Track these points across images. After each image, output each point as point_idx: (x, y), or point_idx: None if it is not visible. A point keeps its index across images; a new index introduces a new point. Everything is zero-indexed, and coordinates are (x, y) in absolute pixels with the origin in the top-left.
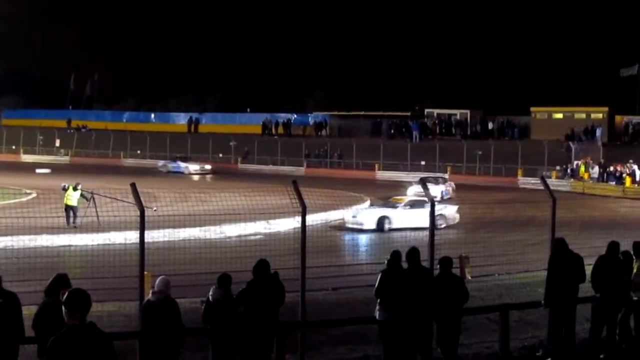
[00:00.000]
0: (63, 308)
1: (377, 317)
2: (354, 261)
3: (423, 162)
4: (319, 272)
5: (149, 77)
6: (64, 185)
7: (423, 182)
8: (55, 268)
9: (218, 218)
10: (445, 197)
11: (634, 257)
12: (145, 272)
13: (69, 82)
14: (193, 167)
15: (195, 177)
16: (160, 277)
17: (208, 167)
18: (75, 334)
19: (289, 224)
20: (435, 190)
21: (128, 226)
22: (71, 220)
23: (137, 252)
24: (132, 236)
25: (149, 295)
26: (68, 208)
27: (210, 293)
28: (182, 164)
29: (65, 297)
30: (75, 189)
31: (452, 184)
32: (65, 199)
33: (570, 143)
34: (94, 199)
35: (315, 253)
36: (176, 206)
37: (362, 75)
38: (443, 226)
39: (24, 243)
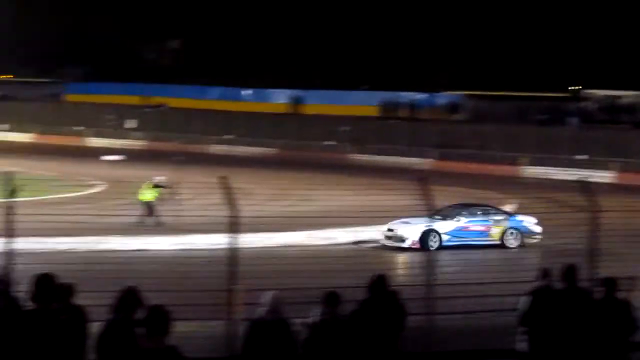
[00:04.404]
0: (139, 328)
1: (518, 348)
2: (484, 279)
3: (585, 156)
4: (447, 291)
5: (241, 46)
6: (155, 181)
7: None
8: (126, 277)
9: (325, 221)
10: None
11: None
12: (237, 286)
13: (145, 51)
14: None
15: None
16: (272, 293)
17: None
18: (152, 358)
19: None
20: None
21: (214, 228)
22: (148, 219)
23: (224, 261)
24: (219, 240)
25: (258, 313)
26: (143, 204)
27: (314, 314)
28: None
29: (145, 315)
30: (155, 186)
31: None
32: (139, 193)
33: None
34: (174, 194)
35: (443, 267)
36: (274, 205)
37: (504, 47)
38: (514, 246)
39: (89, 246)
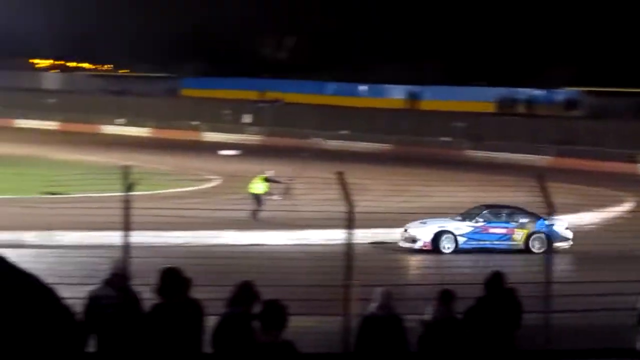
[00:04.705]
0: (255, 323)
1: (639, 348)
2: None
3: None
4: (563, 289)
5: (358, 41)
6: (266, 175)
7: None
8: (240, 272)
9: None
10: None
11: None
12: (352, 281)
13: (262, 46)
14: None
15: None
16: (382, 289)
17: None
18: (268, 354)
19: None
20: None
21: (329, 223)
22: (257, 212)
23: (338, 256)
24: (334, 236)
25: (370, 309)
26: (252, 197)
27: (430, 311)
28: None
29: (260, 309)
30: (266, 180)
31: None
32: (250, 186)
33: None
34: (288, 189)
35: (561, 264)
36: (389, 201)
37: (622, 43)
38: (540, 251)
39: (204, 240)
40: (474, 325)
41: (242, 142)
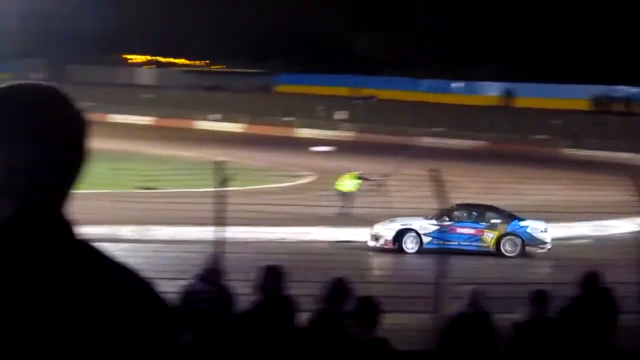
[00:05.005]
0: (348, 319)
1: None
2: None
3: None
4: None
5: (451, 38)
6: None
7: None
8: (333, 268)
9: (535, 216)
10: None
11: None
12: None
13: (356, 42)
14: None
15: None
16: (472, 287)
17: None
18: (362, 351)
19: (626, 226)
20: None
21: None
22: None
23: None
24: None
25: (457, 307)
26: (341, 194)
27: (521, 312)
28: None
29: (354, 306)
30: (357, 177)
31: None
32: (338, 184)
33: None
34: (380, 186)
35: None
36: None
37: None
38: (512, 255)
39: (298, 236)
40: (570, 325)
41: (336, 138)
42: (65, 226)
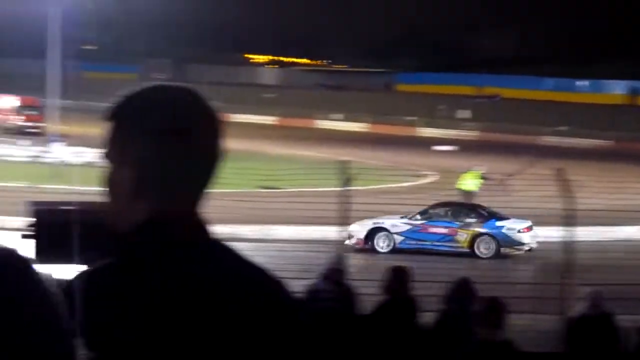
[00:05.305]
0: (476, 319)
1: None
2: None
3: None
4: None
5: (576, 35)
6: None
7: None
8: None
9: None
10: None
11: None
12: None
13: (477, 40)
14: None
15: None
16: (592, 288)
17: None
18: (488, 353)
19: None
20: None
21: (545, 220)
22: None
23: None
24: (551, 233)
25: (578, 308)
26: (463, 193)
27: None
28: None
29: (480, 307)
30: (479, 176)
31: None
32: (459, 183)
33: None
34: (503, 185)
35: None
36: (607, 199)
37: None
38: (486, 256)
39: None
40: None
41: (458, 137)
42: (200, 226)
